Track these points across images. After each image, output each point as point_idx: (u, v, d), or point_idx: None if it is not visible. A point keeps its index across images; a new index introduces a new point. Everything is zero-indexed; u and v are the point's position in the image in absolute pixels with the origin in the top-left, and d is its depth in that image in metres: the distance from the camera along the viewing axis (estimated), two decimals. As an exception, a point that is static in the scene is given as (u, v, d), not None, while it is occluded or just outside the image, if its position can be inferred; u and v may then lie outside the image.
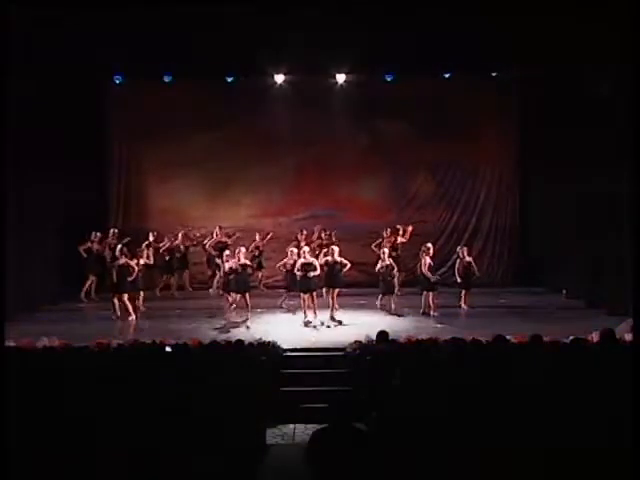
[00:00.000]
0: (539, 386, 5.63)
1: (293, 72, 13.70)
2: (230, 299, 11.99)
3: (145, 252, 13.01)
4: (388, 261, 12.36)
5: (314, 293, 11.90)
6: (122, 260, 12.19)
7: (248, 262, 12.21)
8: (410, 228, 14.11)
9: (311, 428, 4.57)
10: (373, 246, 13.70)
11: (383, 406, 5.81)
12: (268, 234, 14.46)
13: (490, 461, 4.58)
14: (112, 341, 8.58)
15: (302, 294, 11.85)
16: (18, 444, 4.75)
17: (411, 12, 11.23)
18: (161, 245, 14.21)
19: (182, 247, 14.44)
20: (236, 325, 11.48)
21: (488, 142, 15.36)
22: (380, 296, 12.62)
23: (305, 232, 14.16)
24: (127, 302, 12.15)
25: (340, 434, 4.42)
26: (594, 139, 11.85)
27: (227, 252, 12.39)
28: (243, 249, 12.25)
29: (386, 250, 12.70)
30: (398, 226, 14.13)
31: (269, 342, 9.44)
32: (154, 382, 6.13)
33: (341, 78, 14.08)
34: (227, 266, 11.77)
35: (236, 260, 11.82)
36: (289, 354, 9.56)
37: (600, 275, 12.08)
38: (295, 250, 12.57)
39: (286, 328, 11.30)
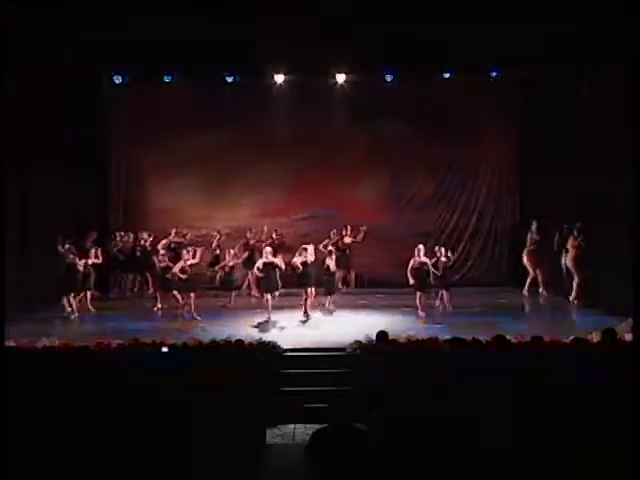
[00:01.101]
0: (539, 386, 5.64)
1: (293, 72, 13.70)
2: (178, 297, 12.23)
3: (93, 252, 13.00)
4: (329, 261, 12.38)
5: (276, 293, 12.03)
6: (69, 259, 12.40)
7: (196, 261, 12.45)
8: (364, 227, 14.20)
9: (311, 428, 4.55)
10: (321, 246, 13.47)
11: (383, 406, 5.82)
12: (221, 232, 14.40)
13: (490, 461, 4.58)
14: (112, 341, 8.60)
15: (264, 294, 11.98)
16: (18, 444, 4.76)
17: (411, 12, 11.23)
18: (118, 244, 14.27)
19: (138, 248, 14.34)
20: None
21: (488, 142, 15.32)
22: (329, 298, 12.60)
23: (254, 231, 14.28)
24: (72, 300, 12.34)
25: (340, 434, 4.42)
26: (594, 139, 11.85)
27: (162, 252, 12.71)
28: (199, 249, 12.54)
29: (333, 250, 12.78)
30: (348, 225, 14.29)
31: (269, 342, 9.44)
32: (154, 382, 6.14)
33: (341, 78, 14.07)
34: (171, 266, 12.18)
35: (188, 260, 12.17)
36: (289, 354, 9.55)
37: (600, 275, 12.06)
38: (232, 251, 12.82)
39: (286, 328, 11.30)
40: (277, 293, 12.14)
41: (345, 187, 15.32)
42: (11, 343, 8.16)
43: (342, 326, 11.37)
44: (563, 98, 12.97)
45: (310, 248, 12.18)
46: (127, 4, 11.02)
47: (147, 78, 14.09)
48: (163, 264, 12.42)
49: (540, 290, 13.78)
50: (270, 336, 10.07)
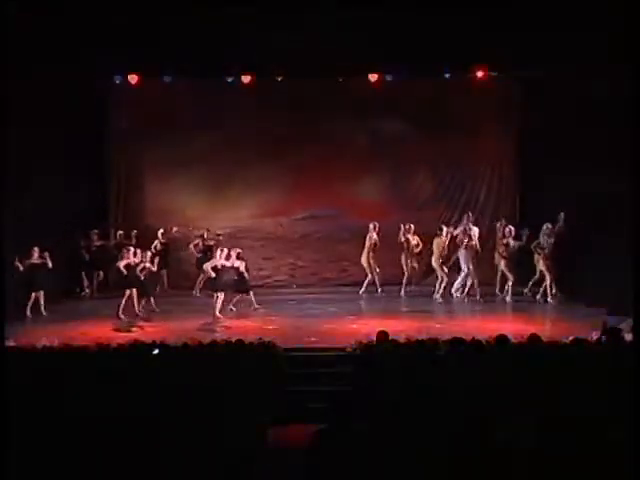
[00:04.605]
0: (539, 386, 5.64)
1: (293, 72, 13.70)
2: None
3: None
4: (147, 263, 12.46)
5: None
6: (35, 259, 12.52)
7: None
8: (227, 231, 14.49)
9: (311, 428, 4.55)
10: (192, 245, 13.89)
11: (383, 406, 5.81)
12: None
13: (490, 461, 4.58)
14: (112, 341, 8.60)
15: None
16: (18, 444, 4.76)
17: (411, 12, 11.24)
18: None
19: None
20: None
21: (488, 142, 15.32)
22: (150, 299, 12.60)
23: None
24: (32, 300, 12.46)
25: (340, 434, 4.42)
26: (594, 139, 11.85)
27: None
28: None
29: (149, 252, 12.77)
30: (208, 227, 14.58)
31: (269, 342, 9.42)
32: (154, 382, 6.14)
33: (341, 78, 14.06)
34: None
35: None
36: (289, 354, 9.54)
37: (600, 275, 12.07)
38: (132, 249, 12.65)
39: (286, 328, 11.29)
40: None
41: (345, 187, 15.32)
42: (11, 343, 8.16)
43: (342, 326, 11.36)
44: (563, 98, 12.97)
45: (135, 250, 12.39)
46: (127, 4, 11.02)
47: (147, 78, 14.08)
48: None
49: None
50: (275, 336, 9.99)
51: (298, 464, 4.50)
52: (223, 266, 12.18)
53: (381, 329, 8.36)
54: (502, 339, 7.50)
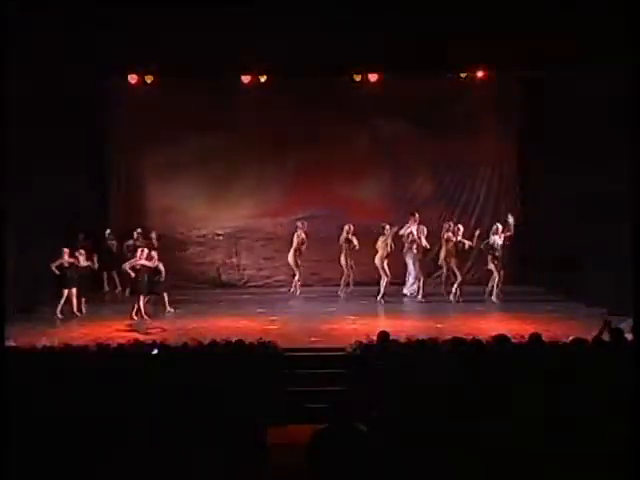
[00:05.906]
0: (539, 386, 5.64)
1: (293, 72, 13.68)
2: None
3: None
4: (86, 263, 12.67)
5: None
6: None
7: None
8: (153, 235, 14.51)
9: (311, 428, 4.56)
10: (125, 245, 14.08)
11: (383, 406, 5.82)
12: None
13: (490, 461, 4.58)
14: (112, 341, 8.60)
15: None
16: (18, 444, 4.76)
17: (411, 12, 11.24)
18: None
19: None
20: None
21: (488, 142, 15.32)
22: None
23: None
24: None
25: (340, 434, 4.42)
26: (594, 139, 11.85)
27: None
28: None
29: (83, 252, 12.82)
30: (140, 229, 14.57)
31: (269, 342, 9.42)
32: (154, 382, 6.14)
33: (342, 78, 14.05)
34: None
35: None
36: (289, 354, 9.55)
37: (600, 275, 12.07)
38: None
39: (286, 328, 11.30)
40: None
41: (345, 187, 15.33)
42: (11, 343, 8.17)
43: (342, 326, 11.37)
44: (563, 98, 12.97)
45: (72, 251, 12.58)
46: (128, 3, 11.01)
47: (147, 78, 14.06)
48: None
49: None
50: (275, 337, 10.01)
51: (298, 464, 4.50)
52: (142, 266, 12.30)
53: (381, 329, 8.37)
54: (502, 339, 7.50)
